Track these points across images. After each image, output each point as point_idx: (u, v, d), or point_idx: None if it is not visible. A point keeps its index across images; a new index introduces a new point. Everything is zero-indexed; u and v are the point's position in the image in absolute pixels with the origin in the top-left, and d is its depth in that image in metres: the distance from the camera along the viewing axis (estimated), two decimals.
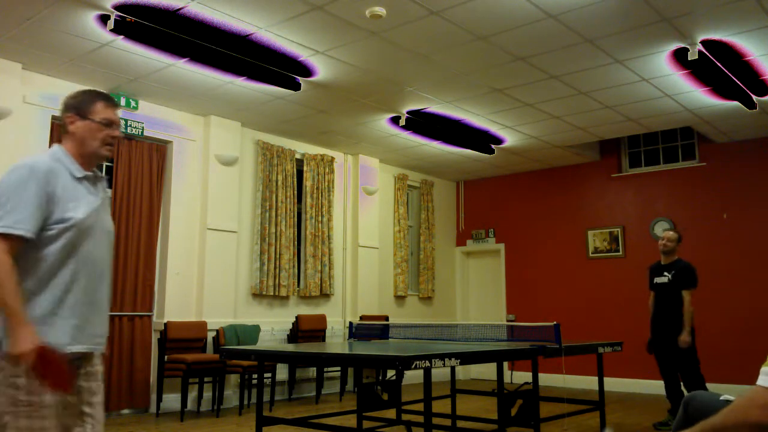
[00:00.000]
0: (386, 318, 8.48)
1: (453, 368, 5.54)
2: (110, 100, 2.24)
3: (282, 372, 7.36)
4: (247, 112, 7.03)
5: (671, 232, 6.01)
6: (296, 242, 7.94)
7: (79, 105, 2.18)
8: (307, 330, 7.65)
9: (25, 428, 1.92)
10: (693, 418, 2.12)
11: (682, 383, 5.70)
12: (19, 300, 1.94)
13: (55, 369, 1.94)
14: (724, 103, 6.70)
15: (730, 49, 5.36)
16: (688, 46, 5.29)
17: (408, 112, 7.09)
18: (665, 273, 5.88)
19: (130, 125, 6.53)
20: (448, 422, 5.33)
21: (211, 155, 7.13)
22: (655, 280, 5.96)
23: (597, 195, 9.21)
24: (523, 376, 4.83)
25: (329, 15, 4.75)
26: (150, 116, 6.72)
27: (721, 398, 2.13)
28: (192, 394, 6.62)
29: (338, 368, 7.89)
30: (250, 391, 6.99)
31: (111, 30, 4.82)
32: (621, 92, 6.42)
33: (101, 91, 2.28)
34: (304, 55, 5.51)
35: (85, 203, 2.12)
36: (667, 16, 4.79)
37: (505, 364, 5.25)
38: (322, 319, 7.90)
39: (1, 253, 1.93)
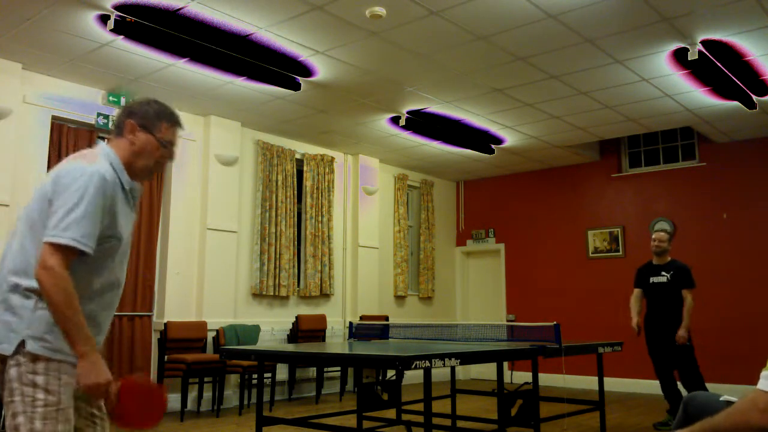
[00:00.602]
0: (386, 318, 8.48)
1: (453, 368, 5.54)
2: (177, 121, 2.14)
3: (282, 372, 7.36)
4: (247, 112, 7.03)
5: (662, 233, 6.04)
6: (296, 242, 7.94)
7: (145, 116, 2.07)
8: (307, 330, 7.65)
9: (39, 431, 1.79)
10: (693, 418, 2.11)
11: (679, 382, 5.71)
12: (84, 325, 1.83)
13: (143, 402, 1.80)
14: (724, 103, 6.70)
15: (730, 49, 5.36)
16: (688, 46, 5.29)
17: (408, 112, 7.09)
18: (663, 273, 5.89)
19: None
20: (448, 422, 5.33)
21: (211, 155, 7.13)
22: (651, 280, 5.96)
23: (597, 195, 9.21)
24: (523, 376, 4.83)
25: (329, 15, 4.75)
26: None
27: (721, 398, 2.13)
28: (192, 394, 6.62)
29: (338, 368, 7.89)
30: (250, 391, 6.99)
31: (111, 30, 4.82)
32: (621, 92, 6.42)
33: (169, 106, 2.14)
34: (304, 55, 5.51)
35: (129, 219, 2.06)
36: (667, 16, 4.79)
37: (505, 364, 5.25)
38: (322, 319, 7.90)
39: (62, 269, 1.80)
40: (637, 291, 6.11)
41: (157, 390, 1.92)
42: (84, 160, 1.95)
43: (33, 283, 1.84)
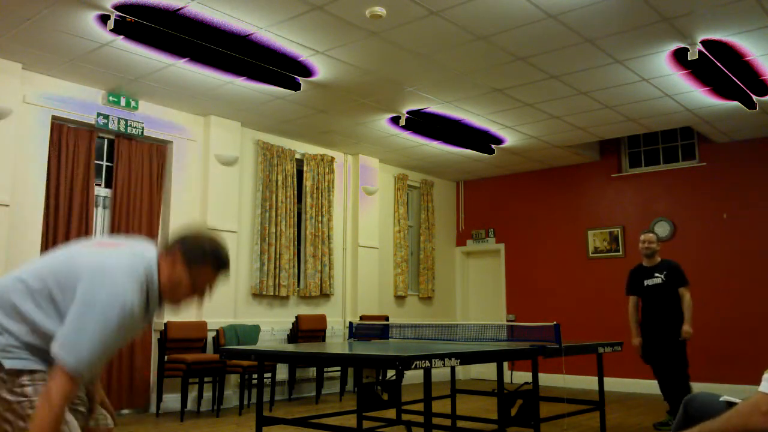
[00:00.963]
0: (386, 318, 8.48)
1: (453, 368, 5.54)
2: (222, 269, 2.08)
3: (282, 372, 7.36)
4: (247, 112, 7.03)
5: (650, 234, 5.98)
6: (296, 242, 7.94)
7: (192, 253, 2.04)
8: (307, 330, 7.65)
9: None
10: (693, 418, 2.11)
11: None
12: None
13: None
14: (724, 103, 6.70)
15: (730, 49, 5.36)
16: (688, 46, 5.29)
17: (408, 112, 7.09)
18: (656, 274, 5.84)
19: (130, 125, 6.53)
20: (448, 422, 5.32)
21: (211, 155, 7.13)
22: (646, 283, 5.90)
23: (597, 195, 9.21)
24: (523, 376, 4.83)
25: (329, 15, 4.74)
26: (150, 116, 6.72)
27: (722, 399, 2.12)
28: (192, 394, 6.62)
29: (338, 368, 7.89)
30: (250, 391, 6.99)
31: (111, 30, 4.82)
32: (621, 92, 6.42)
33: (222, 249, 2.10)
34: (304, 55, 5.51)
35: (134, 331, 2.04)
36: (667, 16, 4.78)
37: (505, 364, 5.25)
38: (322, 319, 7.90)
39: (60, 398, 1.80)
40: (633, 300, 6.04)
41: None
42: (126, 270, 1.93)
43: (8, 325, 1.91)
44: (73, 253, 2.01)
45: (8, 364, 1.89)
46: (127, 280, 1.91)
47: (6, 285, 1.97)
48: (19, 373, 1.89)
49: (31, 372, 1.91)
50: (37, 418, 1.80)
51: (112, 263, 1.92)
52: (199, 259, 2.03)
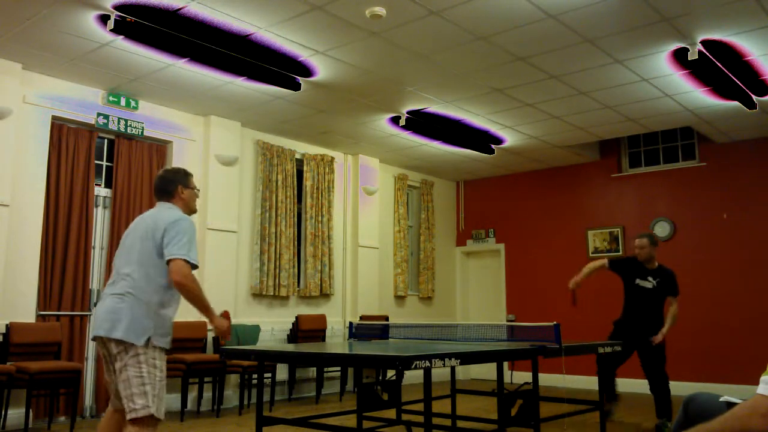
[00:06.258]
0: (386, 318, 8.48)
1: (453, 368, 5.54)
2: (189, 176, 3.36)
3: (282, 372, 7.36)
4: (247, 112, 7.03)
5: (642, 239, 5.74)
6: (296, 242, 7.94)
7: (183, 179, 3.28)
8: (307, 330, 7.65)
9: (159, 395, 2.94)
10: (693, 418, 2.11)
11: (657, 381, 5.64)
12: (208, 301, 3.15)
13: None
14: (724, 103, 6.70)
15: (730, 49, 5.36)
16: (688, 46, 5.29)
17: (408, 112, 7.09)
18: (650, 278, 5.71)
19: (130, 125, 6.53)
20: (448, 422, 5.32)
21: (211, 155, 7.13)
22: (637, 282, 5.75)
23: (597, 195, 9.21)
24: (523, 376, 4.82)
25: (329, 15, 4.75)
26: (150, 116, 6.72)
27: (721, 399, 2.12)
28: (192, 394, 6.62)
29: (338, 368, 7.89)
30: (250, 391, 6.99)
31: (111, 30, 4.82)
32: (621, 92, 6.42)
33: (181, 168, 3.39)
34: (304, 55, 5.51)
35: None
36: (667, 16, 4.78)
37: (505, 364, 5.24)
38: (322, 319, 7.90)
39: (192, 274, 3.00)
40: (601, 263, 5.81)
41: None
42: (180, 213, 3.20)
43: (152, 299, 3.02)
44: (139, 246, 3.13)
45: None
46: (183, 213, 3.23)
47: None
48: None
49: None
50: (189, 293, 3.05)
51: (178, 215, 3.16)
52: (187, 177, 3.32)
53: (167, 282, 3.01)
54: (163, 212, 3.12)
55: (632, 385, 8.10)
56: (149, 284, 3.00)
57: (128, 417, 2.83)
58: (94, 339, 3.04)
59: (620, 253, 8.79)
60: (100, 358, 6.21)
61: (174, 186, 3.23)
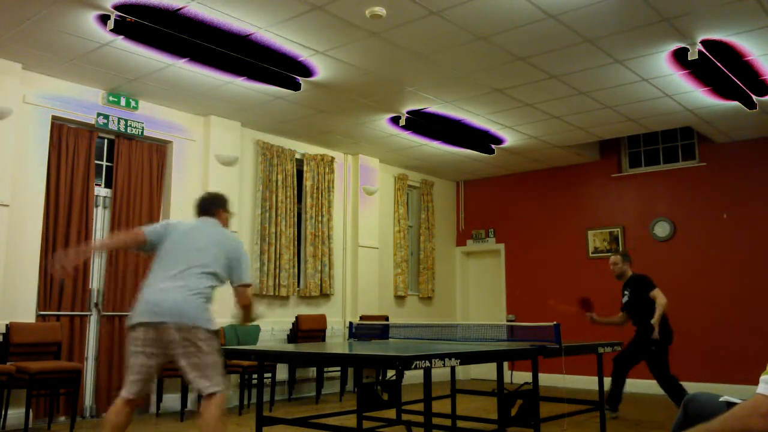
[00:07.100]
0: (386, 318, 8.48)
1: (453, 368, 5.54)
2: (228, 203, 3.89)
3: (282, 372, 7.36)
4: (247, 112, 7.03)
5: (614, 256, 6.39)
6: (296, 242, 7.94)
7: (225, 203, 3.81)
8: (307, 330, 7.65)
9: (222, 376, 3.34)
10: (693, 418, 2.11)
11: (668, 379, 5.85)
12: None
13: None
14: (724, 103, 6.70)
15: (730, 49, 5.36)
16: (688, 46, 5.29)
17: (408, 112, 7.08)
18: (625, 292, 6.24)
19: (130, 125, 6.53)
20: (448, 422, 5.32)
21: (211, 155, 7.13)
22: (622, 300, 6.33)
23: (597, 195, 9.21)
24: (523, 376, 4.83)
25: (329, 15, 4.75)
26: (150, 116, 6.72)
27: (722, 399, 2.12)
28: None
29: (338, 368, 7.89)
30: (250, 391, 6.98)
31: (111, 30, 4.82)
32: (621, 92, 6.42)
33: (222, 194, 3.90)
34: (304, 55, 5.51)
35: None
36: (667, 16, 4.78)
37: (505, 364, 5.25)
38: (322, 319, 7.90)
39: (250, 293, 3.62)
40: (620, 317, 6.44)
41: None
42: (229, 232, 3.80)
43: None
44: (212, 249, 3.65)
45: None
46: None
47: None
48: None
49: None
50: (250, 311, 3.64)
51: (240, 241, 3.87)
52: (222, 205, 3.81)
53: (215, 286, 3.51)
54: (225, 231, 3.71)
55: (632, 386, 8.10)
56: (210, 282, 3.45)
57: (208, 392, 3.29)
58: (149, 324, 3.31)
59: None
60: (101, 358, 6.24)
61: (217, 207, 3.74)
